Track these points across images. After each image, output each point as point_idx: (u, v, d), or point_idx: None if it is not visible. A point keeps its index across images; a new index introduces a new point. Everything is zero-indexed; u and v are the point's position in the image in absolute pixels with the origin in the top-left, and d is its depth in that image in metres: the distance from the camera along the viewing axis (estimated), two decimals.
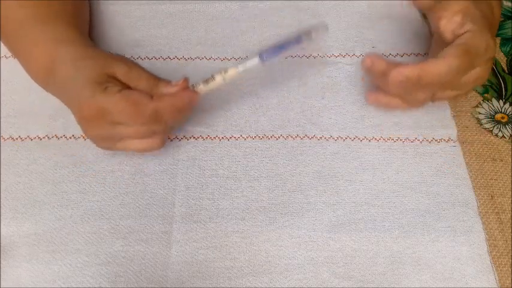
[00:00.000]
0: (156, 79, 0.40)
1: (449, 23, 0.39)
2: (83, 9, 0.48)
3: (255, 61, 0.39)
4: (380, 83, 0.42)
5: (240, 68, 0.40)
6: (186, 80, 0.40)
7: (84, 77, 0.38)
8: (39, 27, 0.41)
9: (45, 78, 0.41)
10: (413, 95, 0.41)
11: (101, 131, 0.39)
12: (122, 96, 0.37)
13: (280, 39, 0.40)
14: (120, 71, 0.39)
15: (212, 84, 0.40)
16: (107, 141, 0.40)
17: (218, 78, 0.40)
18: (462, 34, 0.38)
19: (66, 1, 0.44)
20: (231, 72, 0.40)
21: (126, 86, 0.39)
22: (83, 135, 0.45)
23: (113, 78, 0.38)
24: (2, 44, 0.49)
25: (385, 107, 0.45)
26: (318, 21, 0.43)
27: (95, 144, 0.41)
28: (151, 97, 0.38)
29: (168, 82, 0.40)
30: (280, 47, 0.39)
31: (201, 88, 0.40)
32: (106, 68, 0.38)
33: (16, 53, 0.44)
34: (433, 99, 0.42)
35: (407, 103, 0.43)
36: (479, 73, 0.39)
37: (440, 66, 0.37)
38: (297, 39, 0.39)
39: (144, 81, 0.39)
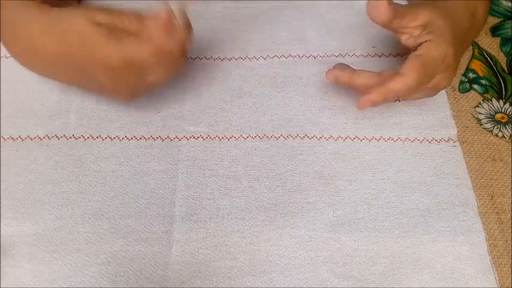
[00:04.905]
0: (140, 16, 0.37)
1: (410, 37, 0.40)
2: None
3: None
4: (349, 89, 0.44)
5: None
6: (167, 12, 0.36)
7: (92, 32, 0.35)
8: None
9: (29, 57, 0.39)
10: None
11: (131, 80, 0.37)
12: (148, 45, 0.35)
13: None
14: (103, 20, 0.36)
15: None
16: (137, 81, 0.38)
17: None
18: (420, 44, 0.40)
19: None
20: None
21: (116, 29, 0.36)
22: (83, 135, 0.45)
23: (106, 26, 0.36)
24: (2, 44, 0.49)
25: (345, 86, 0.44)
26: None
27: (123, 94, 0.41)
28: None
29: (153, 18, 0.36)
30: None
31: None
32: (92, 18, 0.36)
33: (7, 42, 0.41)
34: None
35: None
36: (439, 80, 0.41)
37: (400, 84, 0.39)
38: None
39: (129, 22, 0.37)
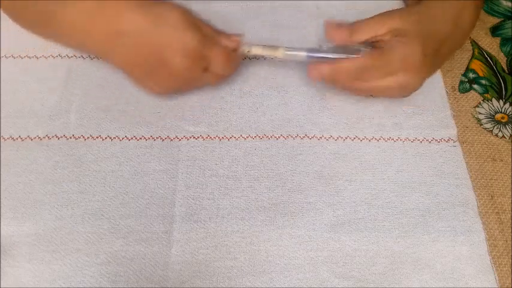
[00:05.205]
0: (219, 30, 0.44)
1: (381, 43, 0.41)
2: None
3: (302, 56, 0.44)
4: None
5: (287, 53, 0.44)
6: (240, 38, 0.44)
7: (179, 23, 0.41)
8: None
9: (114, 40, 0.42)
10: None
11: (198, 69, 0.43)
12: (222, 49, 0.43)
13: (329, 46, 0.43)
14: (194, 20, 0.42)
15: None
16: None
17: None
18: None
19: None
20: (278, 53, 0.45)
21: None
22: (83, 135, 0.45)
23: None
24: (1, 44, 0.49)
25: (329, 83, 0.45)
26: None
27: (180, 83, 0.45)
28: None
29: (227, 36, 0.44)
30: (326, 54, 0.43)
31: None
32: (188, 14, 0.41)
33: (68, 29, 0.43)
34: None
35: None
36: (405, 80, 0.41)
37: (350, 64, 0.41)
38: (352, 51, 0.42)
39: (210, 31, 0.43)
